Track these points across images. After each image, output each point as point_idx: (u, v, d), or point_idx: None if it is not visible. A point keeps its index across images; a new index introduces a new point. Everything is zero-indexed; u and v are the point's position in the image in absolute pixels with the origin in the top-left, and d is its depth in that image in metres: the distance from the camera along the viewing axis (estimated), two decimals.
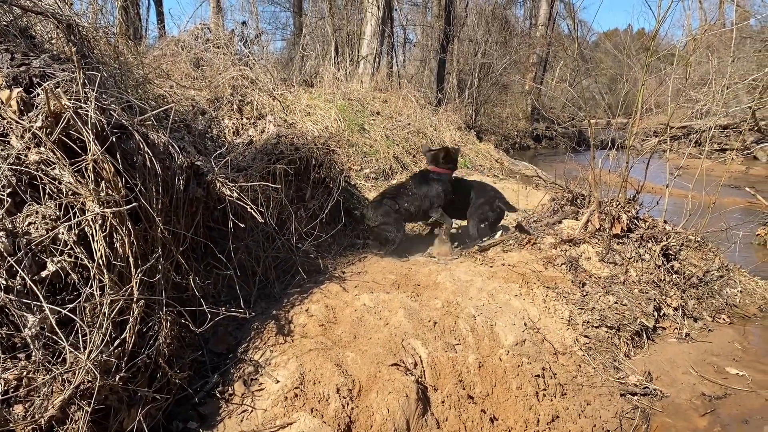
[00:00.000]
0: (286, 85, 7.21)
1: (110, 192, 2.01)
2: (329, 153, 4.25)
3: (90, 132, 1.98)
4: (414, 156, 7.64)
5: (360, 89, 9.35)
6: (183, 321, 2.27)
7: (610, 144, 4.94)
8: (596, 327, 3.37)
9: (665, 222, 4.58)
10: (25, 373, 1.75)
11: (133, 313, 2.00)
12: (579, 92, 7.75)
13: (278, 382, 2.35)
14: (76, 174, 1.98)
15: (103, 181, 2.01)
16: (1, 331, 1.77)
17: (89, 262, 1.94)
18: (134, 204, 2.10)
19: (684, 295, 3.94)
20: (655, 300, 3.70)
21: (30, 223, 1.91)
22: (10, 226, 1.85)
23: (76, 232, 1.95)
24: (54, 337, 1.80)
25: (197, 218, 2.70)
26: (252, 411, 2.23)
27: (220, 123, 4.51)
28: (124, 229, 2.02)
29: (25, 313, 1.78)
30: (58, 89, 2.02)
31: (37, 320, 1.79)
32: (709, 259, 4.55)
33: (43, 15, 2.57)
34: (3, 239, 1.80)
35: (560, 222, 4.54)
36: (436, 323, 2.98)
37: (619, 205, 4.33)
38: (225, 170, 2.97)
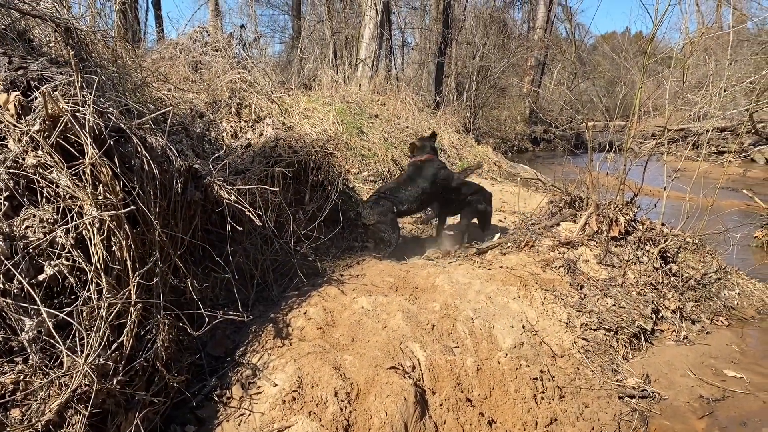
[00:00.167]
0: (285, 88, 7.22)
1: (108, 195, 2.01)
2: (327, 156, 4.25)
3: (88, 135, 1.98)
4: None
5: (358, 92, 9.35)
6: (181, 324, 2.26)
7: (607, 147, 4.97)
8: (594, 329, 3.37)
9: (663, 224, 4.59)
10: (22, 376, 1.74)
11: (131, 316, 2.00)
12: (577, 95, 7.80)
13: (276, 385, 2.35)
14: (73, 177, 1.98)
15: (101, 185, 2.01)
16: None
17: (87, 266, 1.93)
18: (132, 207, 2.09)
19: (682, 297, 3.94)
20: (653, 302, 3.71)
21: (27, 227, 1.90)
22: (7, 229, 1.85)
23: (74, 235, 1.95)
24: (51, 340, 1.79)
25: (195, 221, 2.69)
26: (250, 414, 2.23)
27: (218, 126, 4.51)
28: (121, 232, 2.02)
29: (22, 317, 1.77)
30: (56, 93, 2.03)
31: (35, 324, 1.78)
32: (706, 262, 4.56)
33: (41, 18, 2.56)
34: (0, 243, 1.80)
35: (558, 224, 4.55)
36: (434, 326, 2.97)
37: (617, 208, 4.34)
38: (223, 173, 2.96)
